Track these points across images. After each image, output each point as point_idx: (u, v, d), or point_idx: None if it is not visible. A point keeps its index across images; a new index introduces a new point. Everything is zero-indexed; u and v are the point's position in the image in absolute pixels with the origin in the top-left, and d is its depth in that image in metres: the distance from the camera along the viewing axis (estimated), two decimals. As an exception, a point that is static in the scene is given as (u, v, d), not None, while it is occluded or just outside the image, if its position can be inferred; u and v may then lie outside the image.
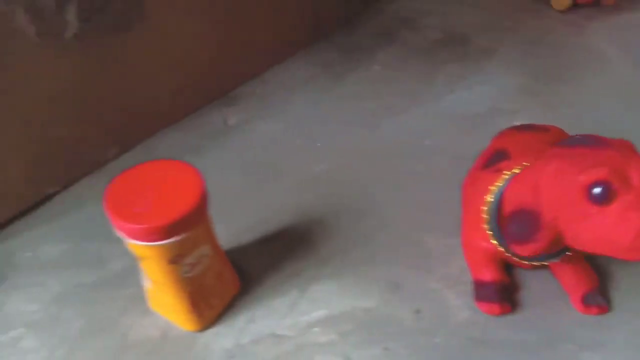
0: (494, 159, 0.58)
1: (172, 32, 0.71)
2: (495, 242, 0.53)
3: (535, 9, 1.04)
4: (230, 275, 0.55)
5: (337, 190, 0.70)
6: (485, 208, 0.53)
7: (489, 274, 0.55)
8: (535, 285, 0.57)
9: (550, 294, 0.56)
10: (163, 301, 0.51)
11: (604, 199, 0.41)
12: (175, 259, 0.45)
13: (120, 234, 0.44)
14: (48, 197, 0.67)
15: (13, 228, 0.64)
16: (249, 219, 0.66)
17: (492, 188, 0.53)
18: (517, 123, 0.66)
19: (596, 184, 0.41)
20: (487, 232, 0.53)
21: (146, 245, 0.43)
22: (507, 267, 0.58)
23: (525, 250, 0.48)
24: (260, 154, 0.76)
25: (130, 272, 0.57)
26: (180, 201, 0.44)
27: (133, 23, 0.65)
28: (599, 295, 0.54)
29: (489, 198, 0.53)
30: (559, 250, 0.49)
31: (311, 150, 0.76)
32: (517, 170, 0.52)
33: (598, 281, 0.55)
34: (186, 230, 0.44)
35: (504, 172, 0.53)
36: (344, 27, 1.00)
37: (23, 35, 0.56)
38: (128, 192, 0.45)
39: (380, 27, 1.01)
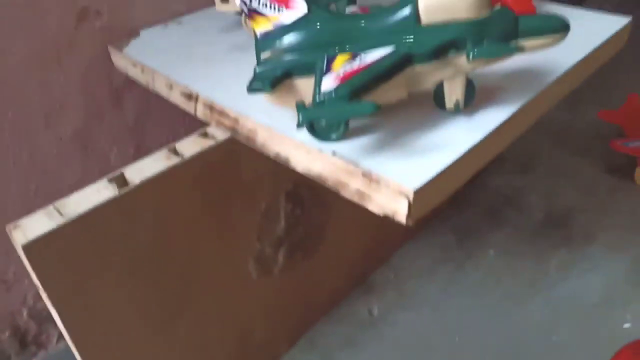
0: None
1: (338, 241, 0.84)
2: None
3: (622, 186, 1.16)
4: None
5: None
6: None
7: None
8: None
9: None
10: None
11: None
12: None
13: None
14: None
15: None
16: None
17: None
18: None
19: None
20: None
21: None
22: None
23: None
24: (407, 348, 0.86)
25: None
26: None
27: (316, 248, 0.79)
28: None
29: None
30: None
31: (451, 344, 0.86)
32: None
33: None
34: None
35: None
36: (452, 204, 1.13)
37: (247, 274, 0.70)
38: None
39: (486, 205, 1.14)
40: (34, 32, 0.66)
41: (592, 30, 0.62)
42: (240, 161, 0.59)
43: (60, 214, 0.47)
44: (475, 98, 0.48)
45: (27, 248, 0.44)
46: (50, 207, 0.47)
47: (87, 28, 0.70)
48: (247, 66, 0.49)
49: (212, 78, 0.59)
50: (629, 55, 1.55)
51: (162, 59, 0.64)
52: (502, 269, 1.00)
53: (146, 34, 0.74)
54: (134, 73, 0.68)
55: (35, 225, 0.46)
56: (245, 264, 0.68)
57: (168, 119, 0.85)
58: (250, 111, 0.51)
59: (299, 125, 0.40)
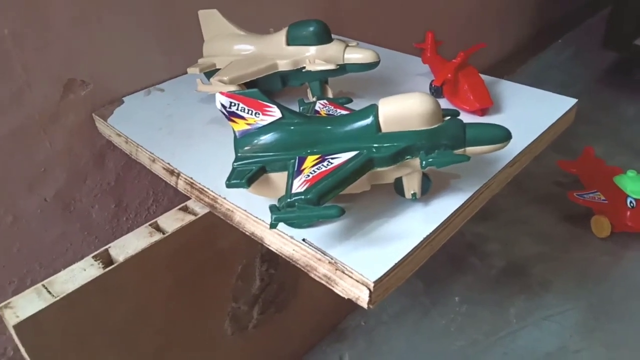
0: None
1: (310, 294, 0.89)
2: None
3: (579, 235, 1.23)
4: None
5: None
6: None
7: None
8: None
9: None
10: None
11: None
12: None
13: None
14: None
15: None
16: None
17: None
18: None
19: None
20: None
21: None
22: None
23: None
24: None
25: None
26: None
27: (289, 301, 0.83)
28: None
29: None
30: None
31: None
32: None
33: None
34: None
35: None
36: (421, 252, 1.19)
37: (223, 332, 0.74)
38: None
39: (450, 252, 1.19)
40: (21, 105, 0.69)
41: (541, 113, 0.68)
42: (218, 231, 0.64)
43: (49, 292, 0.50)
44: (431, 188, 0.53)
45: (19, 327, 0.47)
46: (39, 286, 0.51)
47: (73, 97, 0.74)
48: (225, 142, 0.55)
49: (192, 155, 0.63)
50: (591, 103, 1.65)
51: (145, 132, 0.69)
52: (465, 316, 1.05)
53: (130, 101, 0.78)
54: (118, 142, 0.72)
55: (25, 304, 0.49)
56: (220, 323, 0.72)
57: (148, 173, 0.89)
58: (228, 193, 0.56)
59: (271, 227, 0.45)
